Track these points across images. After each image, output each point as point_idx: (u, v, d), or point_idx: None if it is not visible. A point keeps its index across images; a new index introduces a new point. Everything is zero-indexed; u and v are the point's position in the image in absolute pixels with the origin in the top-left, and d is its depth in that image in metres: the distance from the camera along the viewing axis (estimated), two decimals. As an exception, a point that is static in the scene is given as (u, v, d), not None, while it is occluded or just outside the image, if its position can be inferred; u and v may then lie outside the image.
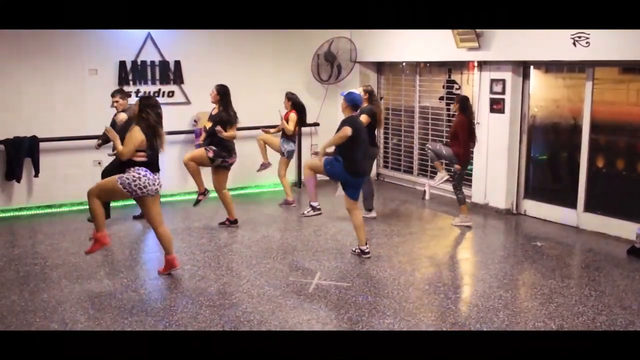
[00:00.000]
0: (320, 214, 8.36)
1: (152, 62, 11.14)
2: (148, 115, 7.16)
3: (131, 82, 10.98)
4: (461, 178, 9.61)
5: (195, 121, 11.41)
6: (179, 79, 11.40)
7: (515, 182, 10.29)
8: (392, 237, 9.13)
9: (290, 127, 10.56)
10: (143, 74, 11.09)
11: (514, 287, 7.30)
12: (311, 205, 8.27)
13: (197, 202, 9.63)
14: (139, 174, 7.08)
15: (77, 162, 10.61)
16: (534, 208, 10.18)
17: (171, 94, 11.33)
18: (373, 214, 10.01)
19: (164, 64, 11.23)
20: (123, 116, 9.20)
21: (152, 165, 7.26)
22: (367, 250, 8.15)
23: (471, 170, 10.54)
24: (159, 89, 11.26)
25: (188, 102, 11.47)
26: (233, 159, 9.27)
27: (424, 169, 12.23)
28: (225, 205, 9.51)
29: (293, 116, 10.66)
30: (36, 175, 10.31)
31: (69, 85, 10.56)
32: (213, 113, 9.36)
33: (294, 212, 10.55)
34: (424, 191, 11.55)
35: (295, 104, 10.78)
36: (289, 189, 10.95)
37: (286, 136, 10.71)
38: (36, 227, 9.69)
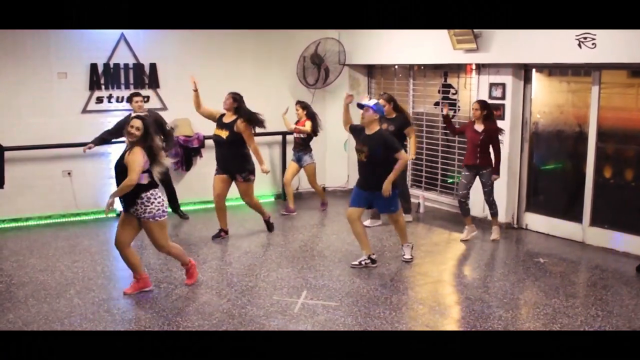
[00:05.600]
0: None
1: (126, 65, 11.08)
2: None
3: (103, 87, 10.91)
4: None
5: (172, 128, 11.35)
6: (154, 83, 11.34)
7: (516, 194, 10.30)
8: (383, 253, 9.10)
9: (308, 128, 11.01)
10: (116, 78, 11.01)
11: (515, 307, 7.29)
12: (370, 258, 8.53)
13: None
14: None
15: (45, 173, 10.53)
16: (537, 222, 10.19)
17: (146, 99, 11.22)
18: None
19: (138, 66, 11.17)
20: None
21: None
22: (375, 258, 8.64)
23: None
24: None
25: (164, 108, 11.39)
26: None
27: (418, 180, 12.23)
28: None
29: (309, 123, 11.05)
30: (1, 186, 10.21)
31: (35, 90, 10.47)
32: (226, 121, 9.30)
33: (276, 226, 10.51)
34: (418, 204, 11.54)
35: (310, 114, 11.13)
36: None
37: (302, 147, 11.17)
38: (0, 242, 9.60)
